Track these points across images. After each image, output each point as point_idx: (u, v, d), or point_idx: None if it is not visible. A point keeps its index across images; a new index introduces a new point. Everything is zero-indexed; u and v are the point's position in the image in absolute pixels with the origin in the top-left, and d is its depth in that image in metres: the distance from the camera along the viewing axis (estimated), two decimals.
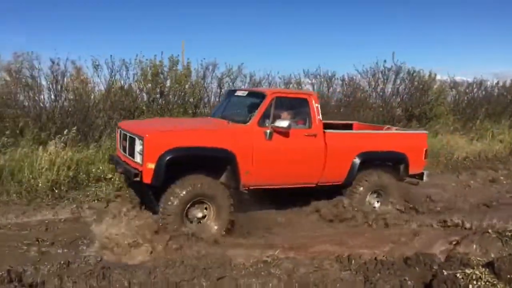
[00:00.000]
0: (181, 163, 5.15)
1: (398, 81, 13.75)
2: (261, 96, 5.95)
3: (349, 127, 7.89)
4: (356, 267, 4.10)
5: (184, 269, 3.80)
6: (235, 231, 5.54)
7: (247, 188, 5.69)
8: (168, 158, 5.00)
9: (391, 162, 6.74)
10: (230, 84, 11.37)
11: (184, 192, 5.14)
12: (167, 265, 3.90)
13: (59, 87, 9.46)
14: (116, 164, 6.03)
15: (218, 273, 3.81)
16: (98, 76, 10.05)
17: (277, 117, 5.78)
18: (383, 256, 4.56)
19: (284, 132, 5.69)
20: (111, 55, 10.06)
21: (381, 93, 13.69)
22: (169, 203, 5.11)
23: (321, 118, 6.09)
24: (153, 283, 3.59)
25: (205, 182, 5.29)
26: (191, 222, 5.31)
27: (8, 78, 9.72)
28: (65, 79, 9.51)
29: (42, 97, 9.43)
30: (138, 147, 5.20)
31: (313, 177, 6.10)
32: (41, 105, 9.43)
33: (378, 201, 6.60)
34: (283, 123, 5.60)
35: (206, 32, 29.95)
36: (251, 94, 6.48)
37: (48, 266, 3.82)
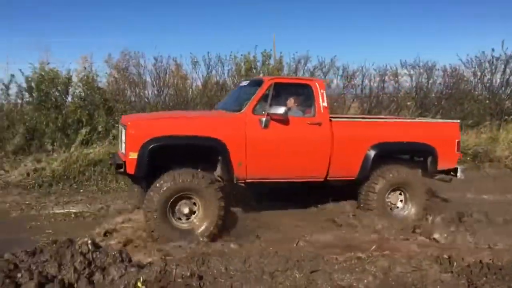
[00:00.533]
0: (171, 154, 4.95)
1: (508, 71, 12.55)
2: (259, 83, 5.55)
3: None
4: (458, 269, 3.85)
5: (277, 259, 3.85)
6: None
7: (243, 182, 5.27)
8: (150, 147, 4.75)
9: (415, 154, 6.14)
10: (322, 77, 11.28)
11: (164, 186, 4.74)
12: (262, 254, 3.98)
13: (161, 83, 10.15)
14: (111, 158, 6.00)
15: (311, 266, 3.81)
16: (196, 72, 10.62)
17: (276, 104, 5.29)
18: (490, 259, 4.22)
19: (283, 120, 5.21)
20: (208, 52, 10.58)
21: (488, 84, 12.63)
22: (150, 198, 4.76)
23: (326, 105, 5.51)
24: (248, 270, 3.70)
25: (188, 175, 4.81)
26: (179, 218, 4.91)
27: (116, 76, 10.60)
28: (166, 75, 10.19)
29: (146, 92, 10.21)
30: (123, 137, 5.07)
31: (318, 171, 5.53)
32: (146, 100, 10.19)
33: (401, 200, 5.91)
34: (279, 110, 5.13)
35: (298, 24, 29.86)
36: (252, 82, 6.02)
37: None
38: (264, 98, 5.34)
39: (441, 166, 5.96)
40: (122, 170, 4.91)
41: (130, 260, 3.69)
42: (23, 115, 9.44)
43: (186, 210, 4.90)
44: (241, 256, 3.96)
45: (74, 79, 9.86)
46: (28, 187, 7.47)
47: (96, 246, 3.69)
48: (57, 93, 9.68)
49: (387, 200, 5.82)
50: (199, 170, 4.99)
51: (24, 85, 9.56)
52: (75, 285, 3.28)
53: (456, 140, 6.03)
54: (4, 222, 5.81)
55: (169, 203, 4.79)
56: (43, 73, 9.54)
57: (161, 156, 4.88)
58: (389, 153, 5.84)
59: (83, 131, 8.94)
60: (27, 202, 6.71)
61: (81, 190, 7.46)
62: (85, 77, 9.90)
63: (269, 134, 5.21)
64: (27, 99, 9.69)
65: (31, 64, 9.53)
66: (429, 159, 5.92)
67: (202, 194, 4.85)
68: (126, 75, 10.50)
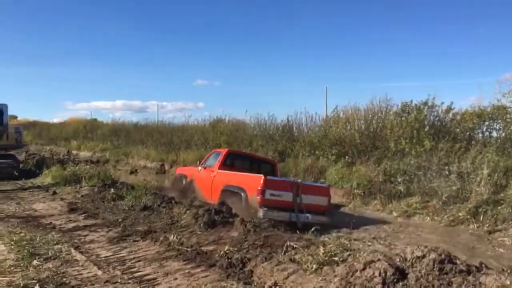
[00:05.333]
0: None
1: None
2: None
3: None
4: None
5: None
6: None
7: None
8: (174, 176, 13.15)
9: (240, 193, 8.90)
10: None
11: None
12: None
13: None
14: None
15: None
16: None
17: (209, 163, 10.84)
18: None
19: (203, 168, 10.81)
20: None
21: None
22: None
23: (220, 163, 10.34)
24: None
25: None
26: None
27: None
28: None
29: None
30: None
31: (212, 197, 9.69)
32: None
33: None
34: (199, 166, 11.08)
35: None
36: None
37: None
38: (207, 159, 11.28)
39: (252, 205, 8.47)
40: None
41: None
42: None
43: None
44: None
45: None
46: None
47: None
48: None
49: None
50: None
51: None
52: None
53: (258, 188, 8.43)
54: None
55: None
56: None
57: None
58: (230, 191, 9.20)
59: None
60: None
61: None
62: None
63: (200, 174, 10.82)
64: None
65: None
66: (243, 198, 8.74)
67: None
68: None
